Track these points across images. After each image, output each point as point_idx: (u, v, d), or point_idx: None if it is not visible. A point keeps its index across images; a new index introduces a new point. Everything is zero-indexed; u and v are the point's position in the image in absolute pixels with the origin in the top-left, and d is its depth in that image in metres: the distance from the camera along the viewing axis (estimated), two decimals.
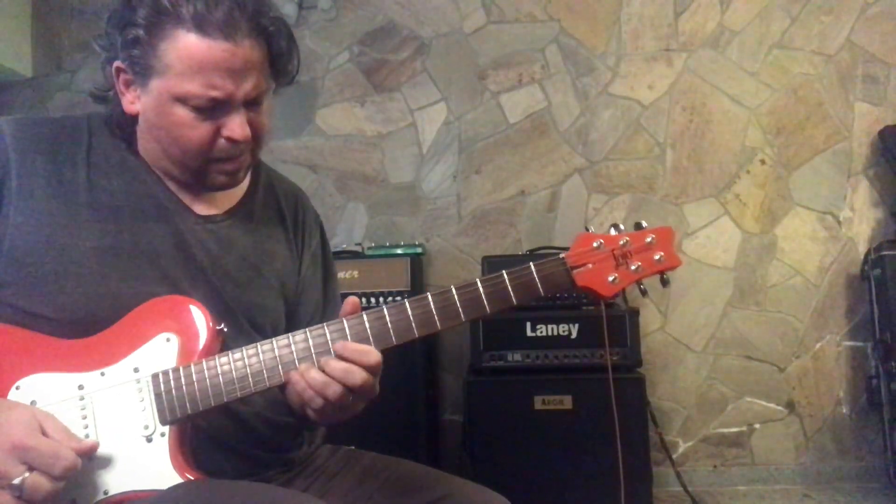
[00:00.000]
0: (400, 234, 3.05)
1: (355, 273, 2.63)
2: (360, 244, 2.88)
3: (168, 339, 0.94)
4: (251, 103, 1.01)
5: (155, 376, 0.92)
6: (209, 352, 0.94)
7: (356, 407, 0.95)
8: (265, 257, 1.14)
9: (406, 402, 2.47)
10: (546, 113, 3.06)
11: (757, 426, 2.90)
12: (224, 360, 0.93)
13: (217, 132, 1.00)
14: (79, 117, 1.08)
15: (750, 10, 2.99)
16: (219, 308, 1.01)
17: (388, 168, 3.12)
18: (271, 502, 0.88)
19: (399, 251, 2.76)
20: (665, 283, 1.02)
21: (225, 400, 0.92)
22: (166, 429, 0.91)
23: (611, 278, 0.98)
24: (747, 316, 2.93)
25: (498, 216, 3.06)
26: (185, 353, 0.93)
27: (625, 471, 2.15)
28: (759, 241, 2.95)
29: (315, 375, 0.90)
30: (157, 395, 0.91)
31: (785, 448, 2.88)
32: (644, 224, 1.02)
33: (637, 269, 0.99)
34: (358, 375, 0.90)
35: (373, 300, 2.60)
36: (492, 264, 2.54)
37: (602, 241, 0.99)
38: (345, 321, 0.94)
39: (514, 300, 0.97)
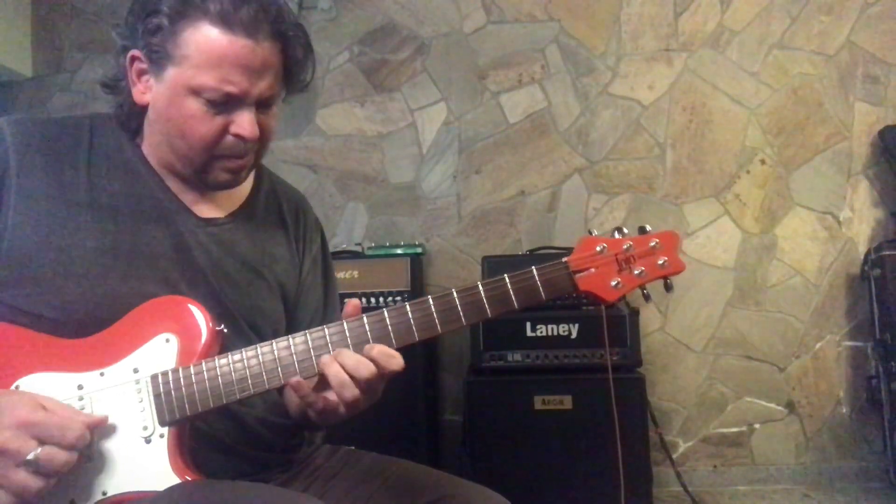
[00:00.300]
0: (400, 234, 3.05)
1: (355, 273, 2.63)
2: (360, 244, 2.88)
3: (168, 340, 0.94)
4: (262, 104, 1.02)
5: (154, 377, 0.92)
6: (208, 353, 0.94)
7: (360, 406, 0.95)
8: (266, 261, 1.14)
9: (406, 402, 2.47)
10: (546, 113, 3.06)
11: (757, 426, 2.90)
12: (223, 361, 0.93)
13: (225, 128, 1.00)
14: (80, 117, 1.08)
15: (750, 10, 2.98)
16: (218, 311, 1.01)
17: (388, 168, 3.12)
18: (270, 503, 0.88)
19: (399, 251, 2.76)
20: (668, 287, 1.02)
21: (224, 402, 0.92)
22: (165, 430, 0.91)
23: (614, 283, 0.98)
24: (747, 316, 2.93)
25: (498, 216, 3.06)
26: (185, 354, 0.93)
27: (625, 471, 2.15)
28: (759, 241, 2.95)
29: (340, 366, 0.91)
30: (157, 396, 0.91)
31: (785, 448, 2.88)
32: (648, 228, 1.01)
33: (640, 273, 0.98)
34: (367, 371, 0.90)
35: (373, 300, 2.60)
36: (492, 264, 2.54)
37: (605, 245, 0.99)
38: (345, 323, 0.94)
39: (515, 304, 0.96)
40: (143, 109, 1.04)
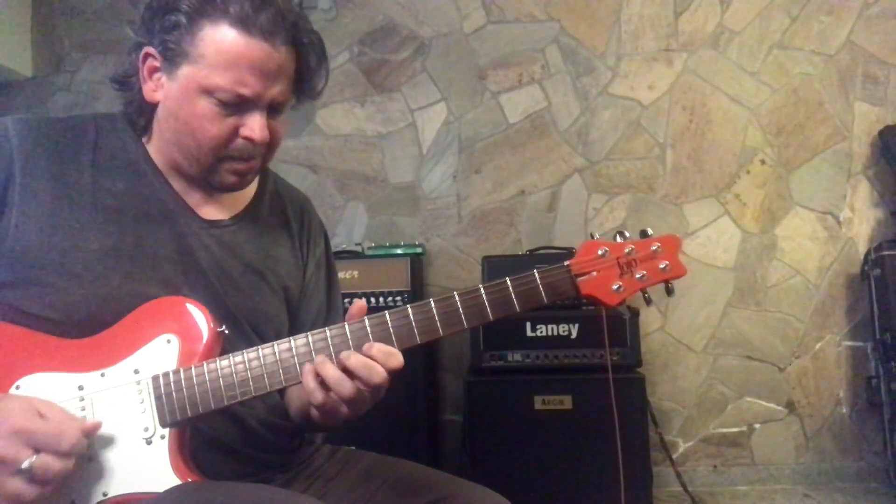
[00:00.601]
0: (400, 234, 3.05)
1: (355, 273, 2.63)
2: (360, 244, 2.88)
3: (169, 341, 0.94)
4: (273, 109, 1.03)
5: (155, 378, 0.92)
6: (210, 354, 0.94)
7: (362, 409, 0.95)
8: (269, 263, 1.14)
9: (406, 402, 2.47)
10: (546, 113, 3.06)
11: (757, 426, 2.90)
12: (225, 362, 0.92)
13: (235, 130, 1.01)
14: (85, 117, 1.08)
15: (750, 10, 2.98)
16: (221, 313, 1.00)
17: (388, 168, 3.12)
18: None
19: (399, 251, 2.76)
20: (670, 291, 1.02)
21: (225, 403, 0.92)
22: (166, 431, 0.91)
23: (615, 287, 0.98)
24: (747, 316, 2.93)
25: (498, 216, 3.06)
26: (186, 355, 0.93)
27: (625, 471, 2.15)
28: (759, 241, 2.95)
29: (331, 371, 0.90)
30: (158, 398, 0.91)
31: (785, 448, 2.88)
32: (650, 232, 1.01)
33: (642, 277, 0.98)
34: (377, 374, 0.90)
35: (373, 300, 2.60)
36: (492, 264, 2.54)
37: (607, 248, 0.99)
38: (346, 325, 0.94)
39: (517, 307, 0.96)
40: (153, 107, 1.04)
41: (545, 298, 0.97)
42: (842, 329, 2.90)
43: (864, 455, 2.84)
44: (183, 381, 0.91)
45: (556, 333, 2.40)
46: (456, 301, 0.95)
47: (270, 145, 1.05)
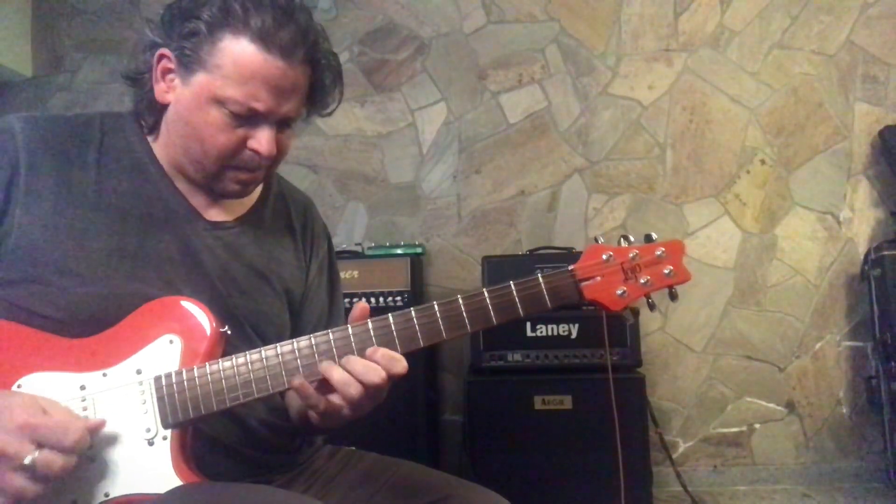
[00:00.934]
0: (400, 234, 3.05)
1: (355, 273, 2.63)
2: (360, 244, 2.88)
3: (171, 341, 0.94)
4: (283, 124, 1.04)
5: (157, 378, 0.92)
6: (212, 354, 0.93)
7: (361, 412, 0.95)
8: (272, 266, 1.14)
9: (406, 402, 2.47)
10: (546, 113, 3.06)
11: (757, 426, 2.90)
12: (227, 364, 0.92)
13: (244, 142, 1.01)
14: (91, 116, 1.08)
15: (750, 10, 2.99)
16: (223, 314, 1.00)
17: (388, 168, 3.12)
18: None
19: (399, 251, 2.76)
20: (674, 297, 1.02)
21: (228, 405, 0.92)
22: (168, 432, 0.91)
23: (619, 292, 0.98)
24: (747, 316, 2.93)
25: (498, 216, 3.06)
26: (188, 356, 0.93)
27: (625, 471, 2.15)
28: (759, 241, 2.95)
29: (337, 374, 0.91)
30: (160, 398, 0.91)
31: (785, 448, 2.88)
32: (654, 236, 1.01)
33: (646, 282, 0.98)
34: (378, 375, 0.90)
35: (373, 300, 2.60)
36: (492, 264, 2.54)
37: (611, 253, 0.98)
38: (349, 328, 0.94)
39: (521, 312, 0.96)
40: (163, 108, 1.04)
41: (549, 303, 0.96)
42: (842, 329, 2.90)
43: (864, 455, 2.84)
44: (185, 382, 0.91)
45: (556, 333, 2.40)
46: (460, 305, 0.95)
47: (276, 158, 1.06)
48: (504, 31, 3.09)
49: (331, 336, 0.93)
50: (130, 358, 0.93)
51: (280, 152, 1.05)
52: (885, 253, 2.63)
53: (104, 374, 0.92)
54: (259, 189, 1.18)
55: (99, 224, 0.99)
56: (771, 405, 2.90)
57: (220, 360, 0.93)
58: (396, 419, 2.38)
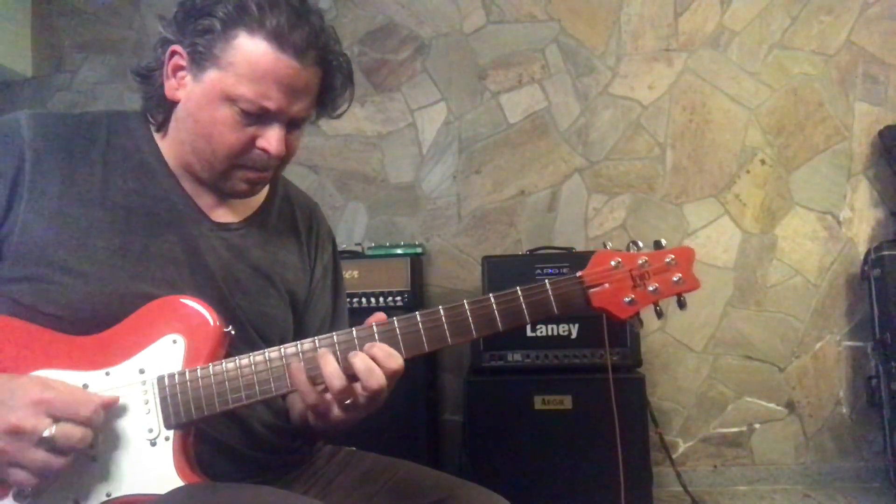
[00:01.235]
0: (400, 234, 3.05)
1: (355, 273, 2.63)
2: (360, 244, 2.88)
3: (175, 341, 0.93)
4: (292, 124, 1.03)
5: (161, 379, 0.91)
6: (215, 355, 0.93)
7: (357, 414, 0.95)
8: (277, 267, 1.14)
9: (406, 402, 2.47)
10: (546, 113, 3.06)
11: (757, 426, 2.90)
12: (231, 365, 0.92)
13: (253, 140, 1.01)
14: (98, 114, 1.08)
15: (750, 10, 2.99)
16: (226, 315, 1.00)
17: (388, 168, 3.12)
18: None
19: (399, 251, 2.76)
20: (682, 305, 1.00)
21: (231, 407, 0.92)
22: (171, 433, 0.90)
23: (627, 299, 0.96)
24: (747, 316, 2.93)
25: (498, 216, 3.06)
26: (192, 356, 0.92)
27: (625, 471, 2.15)
28: (759, 241, 2.95)
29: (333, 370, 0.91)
30: (163, 399, 0.91)
31: (785, 448, 2.88)
32: (664, 243, 0.99)
33: (655, 290, 0.97)
34: (377, 378, 0.90)
35: (373, 300, 2.60)
36: (492, 264, 2.53)
37: (620, 259, 0.97)
38: (354, 331, 0.93)
39: (527, 318, 0.94)
40: (172, 105, 1.04)
41: (556, 310, 0.95)
42: (842, 329, 2.90)
43: (864, 455, 2.84)
44: (188, 383, 0.91)
45: (556, 333, 2.40)
46: (466, 310, 0.94)
47: (285, 158, 1.05)
48: (504, 31, 3.09)
49: (335, 339, 0.93)
50: (133, 357, 0.93)
51: (289, 152, 1.05)
52: (885, 253, 2.63)
53: (107, 374, 0.92)
54: (265, 191, 1.17)
55: (103, 223, 0.99)
56: (771, 405, 2.90)
57: (223, 361, 0.93)
58: (396, 419, 2.38)
